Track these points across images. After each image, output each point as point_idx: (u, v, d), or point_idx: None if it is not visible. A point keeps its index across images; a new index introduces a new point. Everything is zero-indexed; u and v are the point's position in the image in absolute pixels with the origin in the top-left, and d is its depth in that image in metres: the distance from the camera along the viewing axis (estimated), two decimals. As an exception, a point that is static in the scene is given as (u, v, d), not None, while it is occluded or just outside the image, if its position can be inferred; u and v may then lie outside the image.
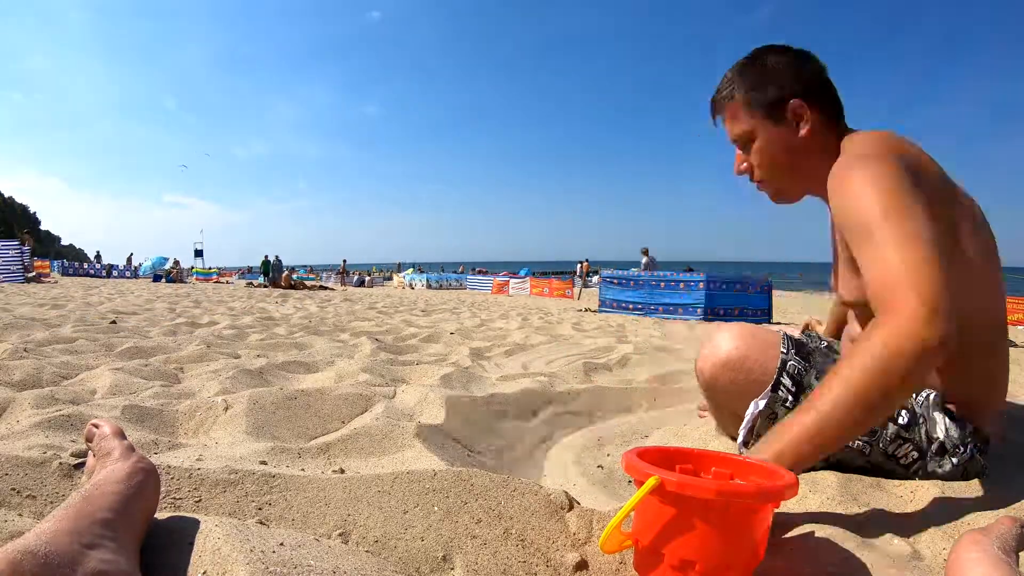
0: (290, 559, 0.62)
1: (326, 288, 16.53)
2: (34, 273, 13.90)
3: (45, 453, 0.91)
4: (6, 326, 3.09)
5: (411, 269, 31.64)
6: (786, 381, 1.14)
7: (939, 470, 1.08)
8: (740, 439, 1.18)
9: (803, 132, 1.13)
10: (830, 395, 0.83)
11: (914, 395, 1.11)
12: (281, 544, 0.65)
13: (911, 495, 1.05)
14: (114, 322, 3.63)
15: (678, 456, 0.81)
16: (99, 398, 1.57)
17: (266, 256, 20.91)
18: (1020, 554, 0.65)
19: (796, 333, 1.41)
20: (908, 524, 0.89)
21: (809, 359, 1.16)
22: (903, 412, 1.10)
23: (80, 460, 0.89)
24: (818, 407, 0.83)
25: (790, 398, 1.13)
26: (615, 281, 10.69)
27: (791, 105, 1.13)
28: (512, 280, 20.58)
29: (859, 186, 0.97)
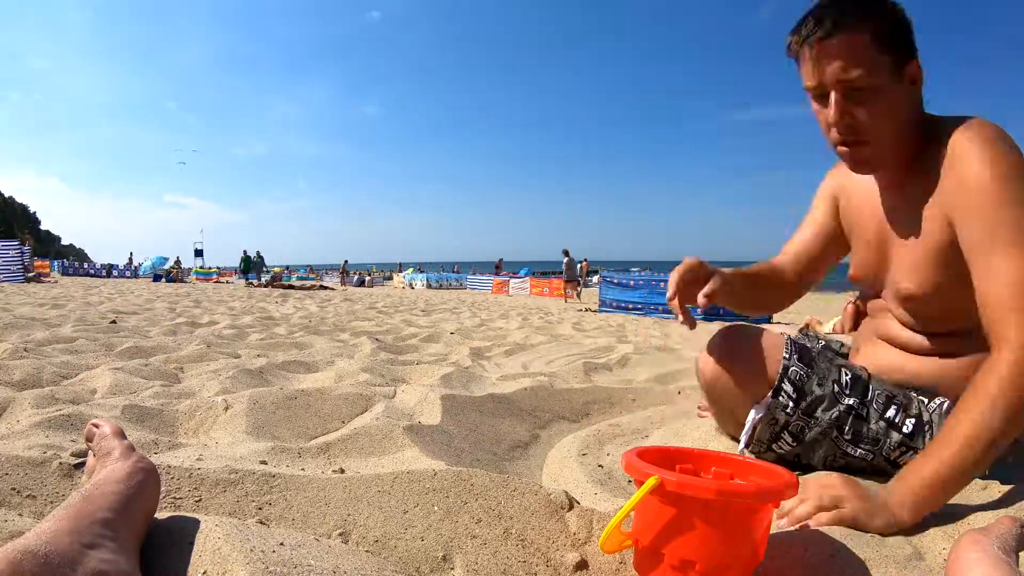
0: (290, 559, 0.62)
1: (326, 288, 16.54)
2: (34, 273, 13.90)
3: (45, 453, 0.91)
4: (6, 326, 3.09)
5: (411, 269, 31.65)
6: (787, 387, 1.11)
7: None
8: (742, 444, 1.17)
9: (916, 98, 1.02)
10: (963, 432, 0.85)
11: (925, 401, 1.10)
12: (281, 544, 0.65)
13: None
14: (114, 322, 3.63)
15: (678, 456, 0.81)
16: (99, 398, 1.57)
17: (245, 252, 19.83)
18: (1020, 554, 0.65)
19: (795, 333, 1.40)
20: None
21: (812, 365, 1.14)
22: (908, 421, 1.08)
23: (80, 460, 0.89)
24: (951, 448, 0.85)
25: (791, 404, 1.11)
26: (615, 281, 10.69)
27: (914, 63, 0.99)
28: (512, 280, 20.59)
29: (1002, 175, 0.90)
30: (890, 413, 1.09)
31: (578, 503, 0.90)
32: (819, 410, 1.10)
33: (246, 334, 3.39)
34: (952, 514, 0.91)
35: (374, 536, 0.78)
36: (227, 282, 20.67)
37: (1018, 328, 0.85)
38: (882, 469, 1.10)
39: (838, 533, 0.80)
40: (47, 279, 14.23)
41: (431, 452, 1.24)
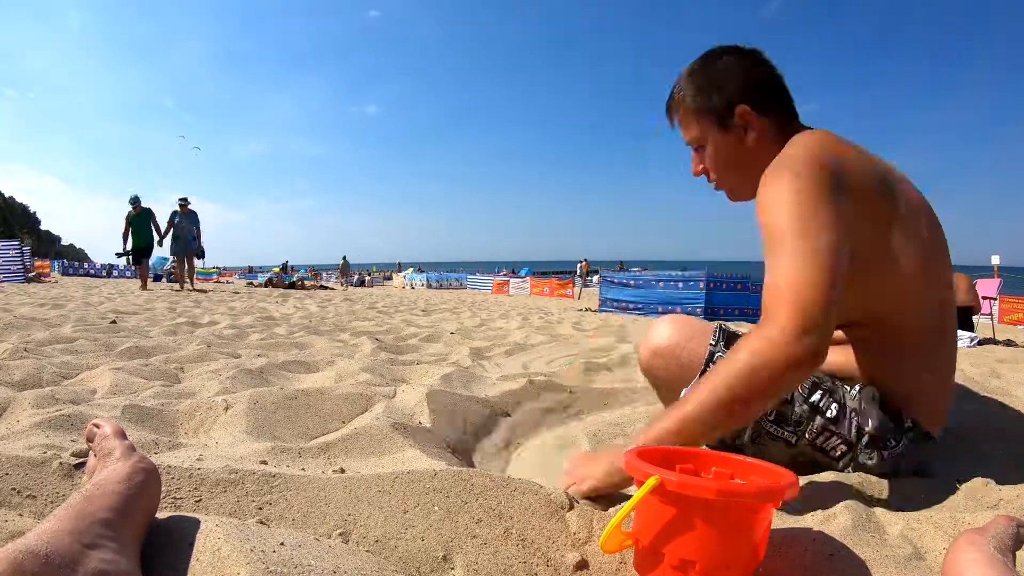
0: (290, 559, 0.62)
1: (326, 288, 16.54)
2: (34, 273, 13.90)
3: (45, 453, 0.91)
4: (6, 326, 3.09)
5: (411, 269, 31.63)
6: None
7: (868, 462, 1.11)
8: None
9: (751, 138, 1.15)
10: (696, 396, 0.91)
11: (848, 388, 1.15)
12: (281, 544, 0.65)
13: (911, 495, 1.05)
14: (114, 322, 3.63)
15: (678, 456, 0.81)
16: (99, 398, 1.57)
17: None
18: (1018, 552, 0.65)
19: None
20: (908, 523, 0.89)
21: (730, 344, 1.19)
22: (833, 405, 1.13)
23: (80, 460, 0.89)
24: (685, 406, 0.91)
25: None
26: (615, 281, 10.70)
27: (738, 111, 1.14)
28: (512, 280, 20.59)
29: (773, 195, 1.01)
30: (815, 397, 1.14)
31: (578, 503, 0.90)
32: None
33: (246, 334, 3.39)
34: (952, 514, 0.91)
35: (374, 536, 0.78)
36: (227, 282, 20.68)
37: (775, 307, 0.92)
38: (806, 452, 1.14)
39: (838, 533, 0.80)
40: (47, 279, 14.22)
41: (418, 449, 1.24)
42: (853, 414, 1.12)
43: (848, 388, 1.15)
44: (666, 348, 1.28)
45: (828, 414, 1.12)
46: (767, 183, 1.05)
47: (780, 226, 0.98)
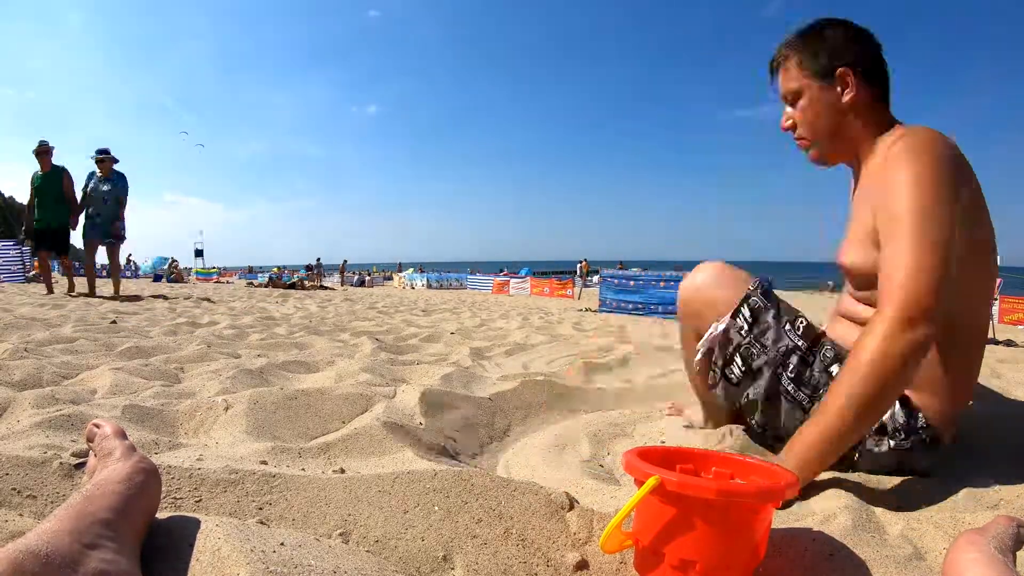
0: (291, 559, 0.62)
1: (326, 288, 16.54)
2: (34, 273, 13.90)
3: (45, 453, 0.91)
4: (6, 326, 3.09)
5: (411, 269, 31.64)
6: (745, 311, 1.24)
7: (875, 449, 1.12)
8: (699, 353, 1.30)
9: (846, 98, 1.18)
10: (834, 405, 0.95)
11: None
12: (282, 544, 0.65)
13: (911, 495, 1.05)
14: (114, 322, 3.63)
15: (679, 456, 0.81)
16: (99, 398, 1.57)
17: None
18: (1018, 553, 0.65)
19: None
20: (908, 523, 0.89)
21: (772, 302, 1.25)
22: None
23: (80, 460, 0.89)
24: (826, 419, 0.95)
25: (745, 326, 1.23)
26: (615, 281, 10.69)
27: (840, 71, 1.18)
28: (512, 280, 20.59)
29: (908, 178, 1.03)
30: (834, 368, 1.16)
31: (578, 503, 0.90)
32: (769, 339, 1.21)
33: (246, 334, 3.39)
34: (952, 514, 0.91)
35: (374, 536, 0.78)
36: (227, 282, 20.67)
37: (892, 297, 0.96)
38: None
39: (838, 533, 0.80)
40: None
41: (418, 451, 1.24)
42: None
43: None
44: (706, 287, 1.34)
45: None
46: (898, 165, 1.06)
47: (909, 211, 1.00)
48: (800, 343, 1.19)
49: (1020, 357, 3.82)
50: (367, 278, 26.44)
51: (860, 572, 0.72)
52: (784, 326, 1.22)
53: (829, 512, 0.91)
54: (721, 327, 1.25)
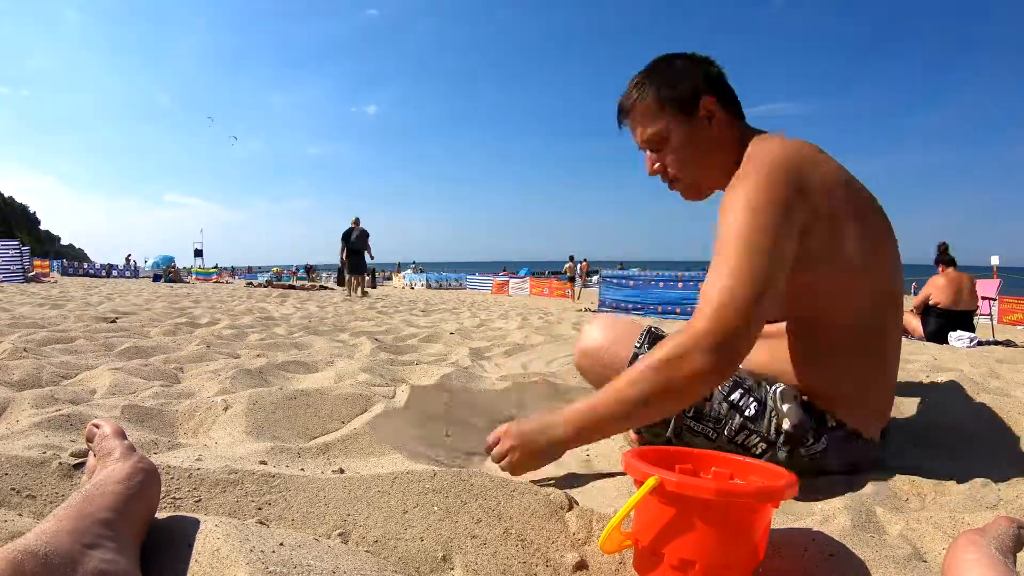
0: (290, 559, 0.62)
1: (326, 288, 16.53)
2: (33, 273, 13.89)
3: (45, 453, 0.91)
4: (6, 326, 3.09)
5: (411, 269, 31.64)
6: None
7: (786, 460, 1.12)
8: None
9: (714, 129, 1.18)
10: (612, 391, 1.00)
11: (769, 388, 1.16)
12: (281, 544, 0.65)
13: (911, 494, 1.05)
14: (114, 321, 3.63)
15: (678, 456, 0.81)
16: (99, 398, 1.57)
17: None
18: (1018, 554, 0.65)
19: None
20: (908, 523, 0.89)
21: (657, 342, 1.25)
22: (752, 403, 1.15)
23: (80, 460, 0.89)
24: (600, 397, 1.01)
25: None
26: (615, 281, 10.70)
27: (703, 102, 1.17)
28: (512, 280, 20.59)
29: (734, 201, 1.04)
30: (735, 396, 1.17)
31: (577, 503, 0.90)
32: None
33: (246, 334, 3.39)
34: (952, 514, 0.91)
35: (374, 536, 0.78)
36: (227, 282, 20.67)
37: (697, 316, 0.97)
38: (727, 449, 1.15)
39: (838, 533, 0.80)
40: (47, 279, 14.21)
41: (403, 450, 1.24)
42: (772, 413, 1.14)
43: (769, 387, 1.17)
44: (593, 350, 1.35)
45: (747, 412, 1.15)
46: (734, 186, 1.07)
47: (731, 231, 1.01)
48: None
49: (1020, 357, 3.83)
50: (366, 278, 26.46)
51: (860, 572, 0.72)
52: None
53: (829, 512, 0.91)
54: None
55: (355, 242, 11.17)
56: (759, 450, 1.14)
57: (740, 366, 1.21)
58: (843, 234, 1.08)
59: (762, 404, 1.15)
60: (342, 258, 11.43)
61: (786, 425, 1.11)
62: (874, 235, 1.12)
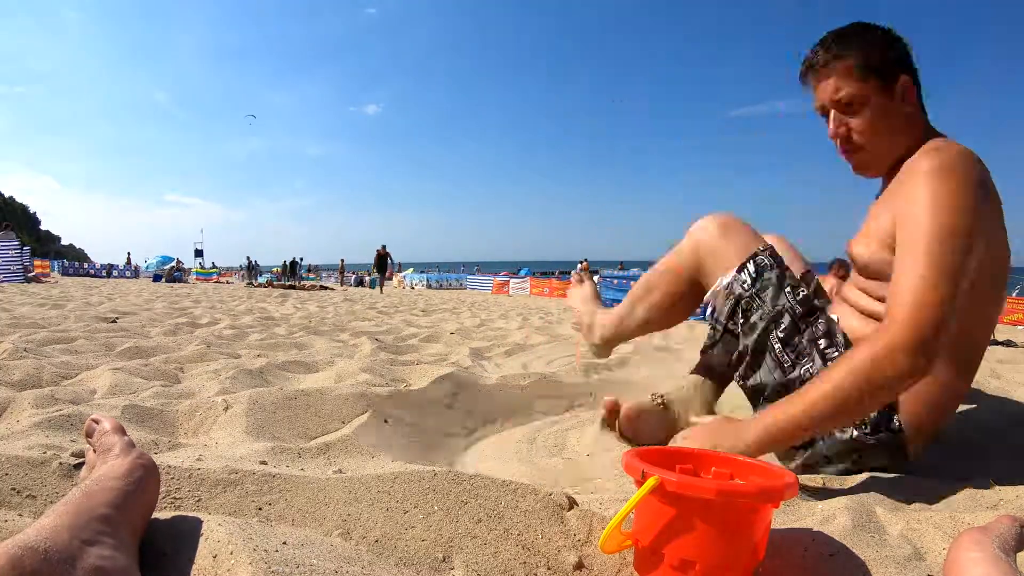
0: (293, 558, 0.62)
1: (326, 288, 16.52)
2: (34, 273, 13.88)
3: (45, 453, 0.91)
4: (6, 326, 3.09)
5: (411, 269, 31.63)
6: (750, 267, 1.27)
7: (838, 434, 1.13)
8: (707, 297, 1.35)
9: (908, 108, 1.16)
10: (817, 390, 0.98)
11: None
12: (284, 543, 0.65)
13: (911, 495, 1.05)
14: (114, 321, 3.63)
15: (678, 456, 0.81)
16: (99, 398, 1.57)
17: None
18: (1020, 553, 0.65)
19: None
20: (908, 523, 0.89)
21: (778, 265, 1.27)
22: (836, 356, 1.14)
23: (80, 460, 0.89)
24: (806, 399, 0.99)
25: (748, 280, 1.26)
26: (615, 281, 10.70)
27: (902, 79, 1.15)
28: (512, 280, 20.58)
29: (931, 199, 1.02)
30: (822, 343, 1.18)
31: (578, 504, 0.90)
32: (768, 295, 1.24)
33: (246, 334, 3.39)
34: (952, 513, 0.91)
35: (374, 536, 0.78)
36: (227, 282, 20.66)
37: (898, 317, 0.97)
38: (795, 390, 1.14)
39: (838, 533, 0.80)
40: (47, 279, 14.21)
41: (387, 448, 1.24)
42: None
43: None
44: (723, 236, 1.32)
45: (828, 361, 1.15)
46: (918, 189, 1.04)
47: (932, 231, 0.99)
48: (797, 308, 1.22)
49: (1020, 357, 3.83)
50: (366, 278, 26.41)
51: (860, 572, 0.72)
52: (785, 288, 1.24)
53: (829, 512, 0.91)
54: (726, 281, 1.28)
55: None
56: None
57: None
58: (995, 257, 1.09)
59: None
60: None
61: None
62: (1004, 264, 1.14)
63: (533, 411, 1.87)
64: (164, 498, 0.80)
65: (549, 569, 0.76)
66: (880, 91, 1.15)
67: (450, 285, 23.58)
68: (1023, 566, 0.65)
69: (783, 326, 1.20)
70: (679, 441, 1.12)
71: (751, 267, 1.26)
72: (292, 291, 12.46)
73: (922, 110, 1.19)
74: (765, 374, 1.22)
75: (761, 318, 1.23)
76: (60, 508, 0.56)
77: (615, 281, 10.90)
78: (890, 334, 0.95)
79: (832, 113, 1.19)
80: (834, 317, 1.23)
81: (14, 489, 0.81)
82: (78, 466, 0.87)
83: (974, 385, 1.88)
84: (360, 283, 24.77)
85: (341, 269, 26.40)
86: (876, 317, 1.18)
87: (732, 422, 1.09)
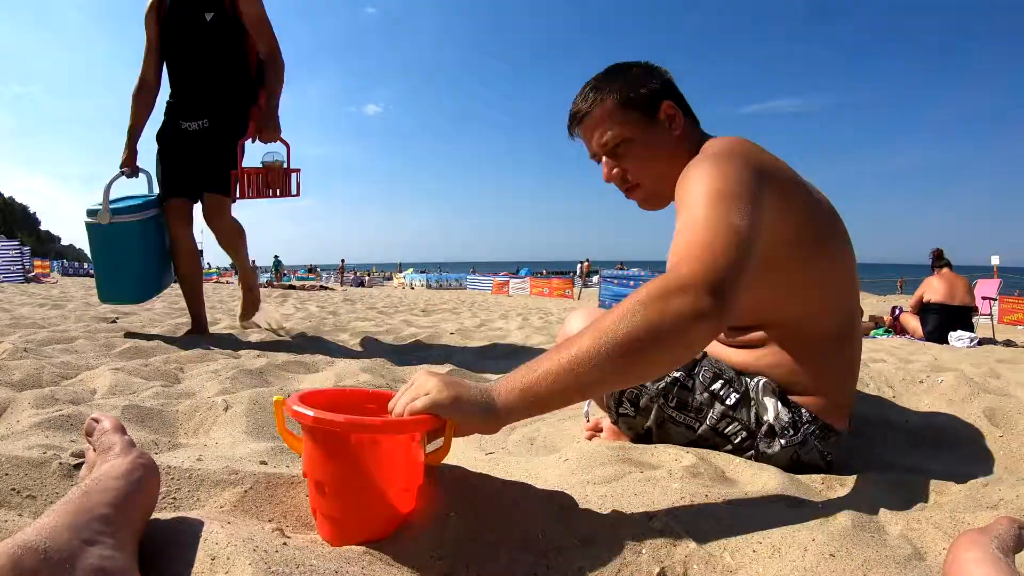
0: (293, 559, 0.62)
1: (326, 288, 16.54)
2: (34, 273, 13.88)
3: (45, 453, 0.91)
4: (6, 326, 3.09)
5: (411, 269, 31.65)
6: None
7: (768, 451, 1.15)
8: (584, 407, 1.40)
9: (676, 132, 1.18)
10: (591, 336, 0.79)
11: (749, 380, 1.19)
12: (284, 544, 0.65)
13: (911, 494, 1.05)
14: (114, 321, 3.63)
15: (373, 398, 0.91)
16: (99, 398, 1.57)
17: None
18: (1019, 554, 0.65)
19: None
20: (908, 523, 0.89)
21: None
22: (733, 394, 1.17)
23: (80, 460, 0.89)
24: (571, 349, 0.79)
25: None
26: (615, 281, 10.70)
27: (664, 105, 1.17)
28: (512, 280, 20.59)
29: (699, 176, 1.00)
30: (715, 386, 1.19)
31: (577, 504, 0.90)
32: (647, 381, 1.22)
33: (246, 334, 3.39)
34: (952, 513, 0.91)
35: (374, 536, 0.78)
36: (227, 282, 20.68)
37: (681, 259, 0.87)
38: (708, 438, 1.20)
39: (838, 533, 0.80)
40: (47, 279, 14.21)
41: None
42: (752, 403, 1.17)
43: (749, 379, 1.19)
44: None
45: (728, 401, 1.17)
46: (688, 173, 1.04)
47: (700, 197, 0.95)
48: (678, 374, 1.21)
49: (1020, 357, 3.83)
50: (366, 278, 26.42)
51: (860, 572, 0.72)
52: None
53: (829, 512, 0.91)
54: None
55: None
56: (740, 438, 1.17)
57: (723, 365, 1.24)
58: (817, 234, 1.11)
59: (743, 395, 1.18)
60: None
61: (769, 418, 1.14)
62: (842, 238, 1.17)
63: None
64: (164, 498, 0.80)
65: (549, 569, 0.76)
66: (644, 124, 1.16)
67: (450, 285, 23.59)
68: (1022, 566, 0.65)
69: (673, 397, 1.21)
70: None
71: None
72: (292, 291, 12.47)
73: (695, 127, 1.21)
74: (679, 438, 1.23)
75: (651, 400, 1.23)
76: (60, 507, 0.56)
77: (615, 281, 10.90)
78: (675, 275, 0.83)
79: (604, 159, 1.21)
80: (711, 357, 1.25)
81: (14, 489, 0.81)
82: (78, 466, 0.87)
83: (974, 384, 1.88)
84: (361, 283, 24.77)
85: (341, 269, 26.41)
86: (739, 344, 1.23)
87: (457, 380, 0.83)
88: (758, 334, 1.21)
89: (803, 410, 1.15)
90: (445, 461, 0.85)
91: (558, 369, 0.79)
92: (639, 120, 1.17)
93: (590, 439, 1.46)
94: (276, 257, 23.76)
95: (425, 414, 0.77)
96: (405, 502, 0.77)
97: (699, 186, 0.98)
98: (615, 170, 1.20)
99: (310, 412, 0.72)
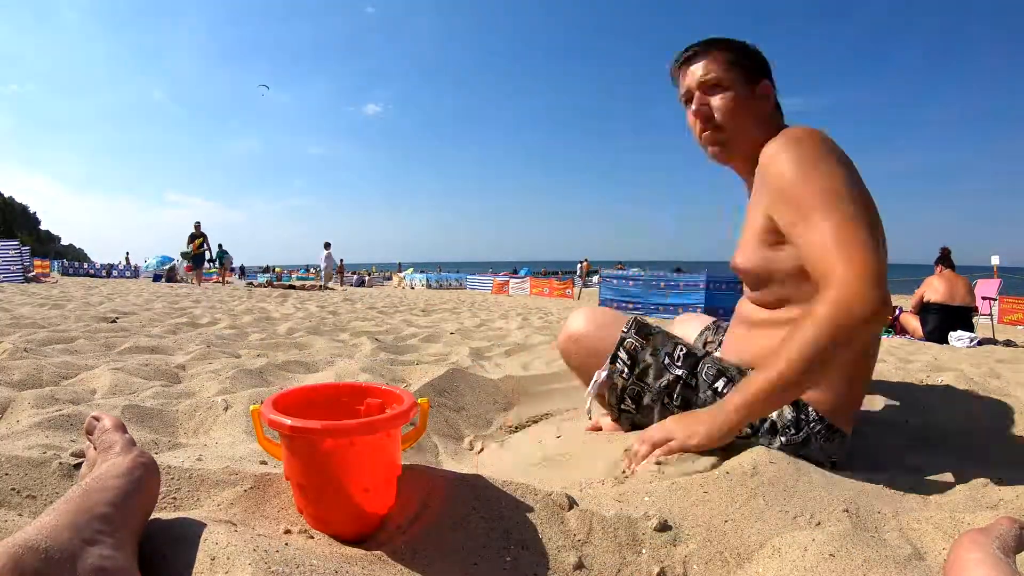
0: (293, 558, 0.62)
1: (326, 288, 16.52)
2: (34, 273, 13.88)
3: (45, 453, 0.91)
4: (6, 326, 3.09)
5: (411, 269, 31.65)
6: (623, 355, 1.27)
7: (769, 447, 1.13)
8: (587, 403, 1.38)
9: (766, 108, 1.25)
10: (786, 356, 0.97)
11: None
12: (285, 543, 0.65)
13: (911, 494, 1.05)
14: (114, 321, 3.63)
15: (344, 391, 0.91)
16: (99, 398, 1.57)
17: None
18: (1020, 554, 0.65)
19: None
20: (908, 523, 0.89)
21: (648, 338, 1.28)
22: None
23: (80, 460, 0.89)
24: (777, 366, 0.98)
25: (626, 370, 1.26)
26: (615, 281, 10.70)
27: (764, 83, 1.25)
28: (512, 280, 20.59)
29: (806, 160, 1.07)
30: (719, 385, 1.20)
31: (577, 504, 0.90)
32: (650, 377, 1.25)
33: (246, 334, 3.39)
34: (952, 513, 0.91)
35: (374, 536, 0.78)
36: (227, 282, 20.69)
37: (841, 265, 0.96)
38: None
39: (838, 533, 0.80)
40: (47, 279, 14.20)
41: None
42: None
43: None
44: (578, 335, 1.37)
45: None
46: (794, 147, 1.09)
47: (817, 193, 1.03)
48: (681, 372, 1.23)
49: (1020, 357, 3.83)
50: (366, 278, 26.41)
51: (860, 572, 0.72)
52: (663, 360, 1.25)
53: (829, 512, 0.91)
54: (603, 375, 1.28)
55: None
56: (742, 433, 1.16)
57: (733, 356, 1.26)
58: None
59: None
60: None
61: (772, 415, 1.14)
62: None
63: (533, 411, 1.87)
64: (164, 498, 0.80)
65: (549, 569, 0.76)
66: (743, 83, 1.23)
67: (450, 285, 23.58)
68: (1023, 567, 0.65)
69: (676, 395, 1.22)
70: (654, 431, 1.10)
71: (623, 355, 1.27)
72: (292, 291, 12.47)
73: (780, 116, 1.28)
74: None
75: (653, 400, 1.24)
76: (60, 507, 0.56)
77: (615, 281, 10.91)
78: (837, 278, 0.96)
79: (696, 95, 1.26)
80: (716, 354, 1.28)
81: (14, 489, 0.81)
82: (78, 466, 0.87)
83: (974, 384, 1.88)
84: (361, 283, 24.76)
85: (341, 269, 26.40)
86: (762, 323, 1.24)
87: (686, 414, 1.10)
88: (776, 314, 1.22)
89: (810, 408, 1.15)
90: (447, 463, 0.85)
91: (771, 389, 1.00)
92: (741, 79, 1.23)
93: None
94: (220, 246, 16.70)
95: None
96: (388, 494, 0.79)
97: (827, 181, 1.04)
98: (705, 106, 1.25)
99: (287, 421, 0.72)
